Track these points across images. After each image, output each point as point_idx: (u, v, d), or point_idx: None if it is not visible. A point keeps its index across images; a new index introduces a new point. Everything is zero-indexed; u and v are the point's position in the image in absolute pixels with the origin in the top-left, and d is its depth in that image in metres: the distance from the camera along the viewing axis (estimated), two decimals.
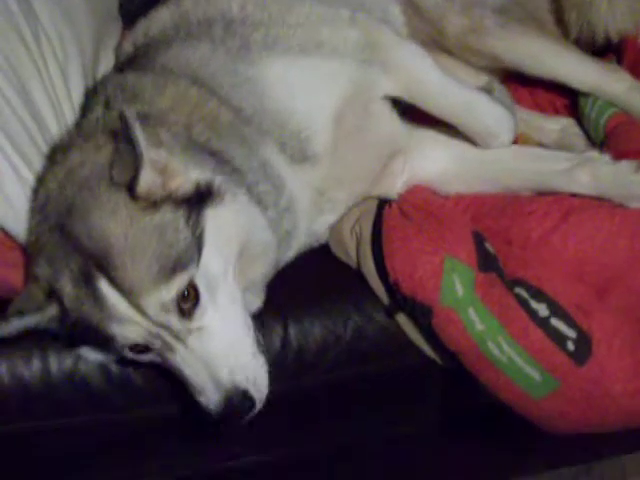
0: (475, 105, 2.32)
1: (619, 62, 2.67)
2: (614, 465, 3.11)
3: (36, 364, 2.01)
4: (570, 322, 2.01)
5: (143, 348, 1.86)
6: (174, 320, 1.80)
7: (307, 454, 2.50)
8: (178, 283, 1.79)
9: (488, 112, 2.32)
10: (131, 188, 1.80)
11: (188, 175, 1.88)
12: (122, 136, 1.79)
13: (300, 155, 2.18)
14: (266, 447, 2.39)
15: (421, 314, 2.04)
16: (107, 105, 2.14)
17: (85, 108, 2.30)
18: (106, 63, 2.59)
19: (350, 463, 2.63)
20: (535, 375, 1.99)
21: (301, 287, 2.19)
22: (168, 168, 1.85)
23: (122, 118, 1.76)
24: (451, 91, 2.31)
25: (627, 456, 3.09)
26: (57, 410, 2.03)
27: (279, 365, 2.10)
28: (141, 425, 2.12)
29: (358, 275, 2.21)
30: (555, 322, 2.00)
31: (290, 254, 2.21)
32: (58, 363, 2.01)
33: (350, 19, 2.33)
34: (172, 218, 1.82)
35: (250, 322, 1.92)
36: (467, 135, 2.33)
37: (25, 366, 2.00)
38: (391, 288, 2.09)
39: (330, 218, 2.32)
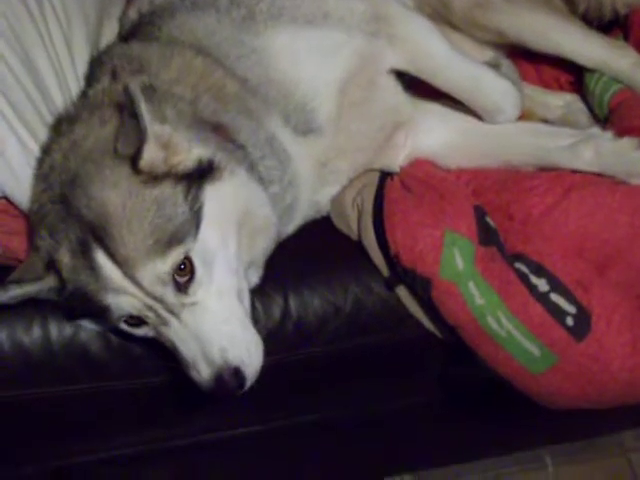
0: (481, 80, 2.31)
1: (626, 39, 2.65)
2: (614, 440, 3.12)
3: (36, 331, 2.02)
4: (570, 297, 2.01)
5: (138, 321, 1.86)
6: (168, 293, 1.79)
7: (306, 425, 2.51)
8: (174, 256, 1.78)
9: (494, 87, 2.32)
10: (134, 161, 1.79)
11: (191, 151, 1.87)
12: (127, 110, 1.79)
13: (305, 127, 2.17)
14: (264, 417, 2.41)
15: (421, 287, 2.04)
16: (114, 75, 2.12)
17: (90, 78, 2.28)
18: (110, 32, 2.57)
19: (349, 435, 2.64)
20: (534, 350, 2.00)
21: (302, 259, 2.19)
22: (171, 143, 1.84)
23: (127, 93, 1.76)
24: (458, 65, 2.31)
25: (627, 432, 3.10)
26: (57, 377, 2.04)
27: (279, 336, 2.12)
28: (141, 393, 2.12)
29: (359, 247, 2.21)
30: (555, 297, 2.01)
31: (292, 226, 2.21)
32: (58, 330, 2.02)
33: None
34: (171, 192, 1.81)
35: (247, 297, 1.92)
36: (473, 109, 2.33)
37: (25, 333, 2.01)
38: (391, 261, 2.10)
39: (332, 189, 2.31)
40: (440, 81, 2.31)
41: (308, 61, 2.20)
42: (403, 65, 2.30)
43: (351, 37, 2.25)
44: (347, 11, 2.28)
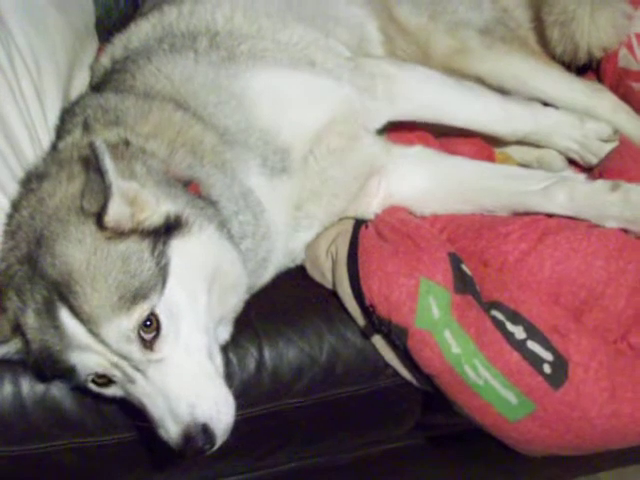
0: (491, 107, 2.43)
1: (600, 82, 2.68)
2: None
3: (7, 387, 1.98)
4: (547, 345, 2.01)
5: (105, 380, 1.83)
6: (134, 350, 1.77)
7: (286, 473, 2.48)
8: (139, 313, 1.75)
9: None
10: (99, 218, 1.78)
11: (158, 207, 1.85)
12: (92, 166, 1.78)
13: (280, 165, 2.17)
14: (242, 468, 2.38)
15: (397, 336, 2.02)
16: (86, 127, 2.11)
17: (62, 129, 2.27)
18: (81, 80, 2.56)
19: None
20: (511, 398, 1.99)
21: (276, 309, 2.18)
22: (138, 200, 1.83)
23: (92, 148, 1.74)
24: (467, 102, 2.34)
25: (602, 473, 3.09)
26: (29, 435, 2.00)
27: (254, 387, 2.10)
28: (116, 449, 2.08)
29: (334, 296, 2.20)
30: (531, 345, 2.00)
31: (267, 277, 2.20)
32: (30, 387, 1.99)
33: (348, 58, 2.36)
34: (137, 248, 1.79)
35: (217, 353, 1.90)
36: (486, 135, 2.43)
37: None
38: (367, 310, 2.08)
39: (307, 235, 2.30)
40: (450, 122, 2.38)
41: (291, 106, 2.19)
42: (405, 117, 2.34)
43: (339, 86, 2.26)
44: (335, 65, 2.30)
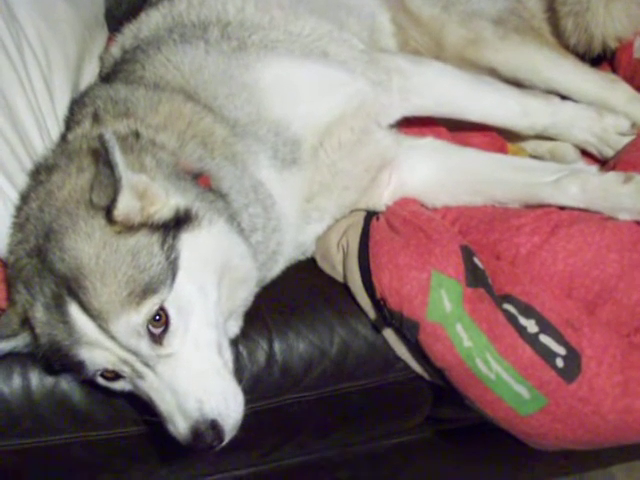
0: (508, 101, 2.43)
1: (614, 73, 2.66)
2: (605, 474, 3.10)
3: (17, 381, 1.98)
4: (559, 338, 1.99)
5: (114, 375, 1.83)
6: (143, 345, 1.76)
7: (296, 466, 2.47)
8: (148, 307, 1.75)
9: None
10: (108, 212, 1.76)
11: (168, 201, 1.84)
12: (102, 159, 1.76)
13: (290, 157, 2.15)
14: (253, 461, 2.37)
15: (408, 329, 2.01)
16: (95, 119, 2.09)
17: (71, 120, 2.25)
18: (90, 71, 2.55)
19: (341, 473, 2.61)
20: (523, 392, 1.97)
21: (287, 302, 2.17)
22: (148, 193, 1.81)
23: (102, 142, 1.72)
24: (483, 97, 2.35)
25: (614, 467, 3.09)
26: (38, 428, 2.00)
27: (264, 381, 2.09)
28: (124, 442, 2.08)
29: (344, 289, 2.19)
30: (544, 338, 1.99)
31: (277, 269, 2.18)
32: (39, 380, 1.98)
33: (362, 51, 2.34)
34: (147, 242, 1.78)
35: (227, 348, 1.89)
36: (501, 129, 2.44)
37: (5, 383, 1.97)
38: (378, 303, 2.07)
39: (317, 227, 2.29)
40: (464, 116, 2.39)
41: (302, 98, 2.17)
42: (420, 112, 2.33)
43: (353, 79, 2.24)
44: (349, 57, 2.28)
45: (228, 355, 1.88)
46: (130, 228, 1.78)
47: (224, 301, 1.88)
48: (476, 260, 2.10)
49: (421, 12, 2.66)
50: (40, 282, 1.80)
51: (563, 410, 1.97)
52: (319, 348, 2.11)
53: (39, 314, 1.80)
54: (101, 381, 1.85)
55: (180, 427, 1.75)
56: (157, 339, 1.77)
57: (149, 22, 2.43)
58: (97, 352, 1.77)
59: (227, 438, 1.79)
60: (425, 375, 2.15)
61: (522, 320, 2.00)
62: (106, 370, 1.82)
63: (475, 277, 2.06)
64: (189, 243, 1.83)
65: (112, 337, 1.74)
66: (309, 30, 2.34)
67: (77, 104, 2.28)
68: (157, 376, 1.77)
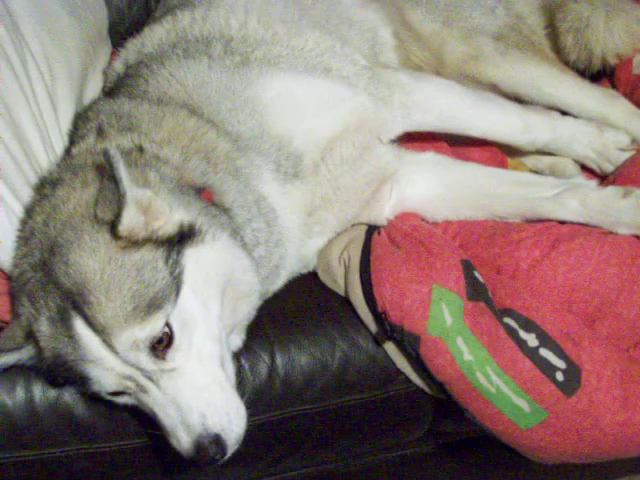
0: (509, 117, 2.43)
1: (614, 88, 2.67)
2: None
3: (20, 393, 1.98)
4: (559, 352, 2.00)
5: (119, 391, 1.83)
6: (147, 360, 1.76)
7: (294, 479, 2.47)
8: (153, 322, 1.75)
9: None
10: (113, 227, 1.77)
11: (172, 216, 1.85)
12: (106, 174, 1.77)
13: (292, 170, 2.16)
14: (254, 475, 2.37)
15: (409, 343, 2.02)
16: (100, 133, 2.10)
17: (75, 135, 2.26)
18: (94, 85, 2.56)
19: None
20: (523, 405, 1.99)
21: (288, 315, 2.18)
22: (152, 208, 1.82)
23: (106, 157, 1.73)
24: (485, 112, 2.36)
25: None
26: (41, 440, 2.00)
27: (266, 394, 2.09)
28: (127, 454, 2.08)
29: (346, 303, 2.20)
30: (544, 352, 2.00)
31: (279, 283, 2.19)
32: (42, 392, 1.99)
33: (364, 67, 2.35)
34: (151, 258, 1.79)
35: (230, 362, 1.89)
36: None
37: (8, 395, 1.97)
38: (379, 316, 2.07)
39: (319, 241, 2.30)
40: (467, 132, 2.39)
41: (305, 113, 2.19)
42: (423, 128, 2.33)
43: (355, 94, 2.25)
44: (351, 72, 2.29)
45: (231, 369, 1.89)
46: (135, 243, 1.78)
47: (227, 315, 1.89)
48: (477, 274, 2.11)
49: (422, 27, 2.68)
50: (45, 296, 1.81)
51: (563, 424, 1.99)
52: (321, 361, 2.12)
53: (44, 327, 1.81)
54: (105, 395, 1.85)
55: (183, 441, 1.76)
56: (160, 354, 1.77)
57: (153, 37, 2.44)
58: (102, 373, 1.78)
59: (230, 452, 1.79)
60: (426, 388, 2.16)
61: (522, 334, 2.02)
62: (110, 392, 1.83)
63: (476, 291, 2.07)
64: (193, 258, 1.83)
65: (116, 352, 1.75)
66: (312, 45, 2.35)
67: (81, 118, 2.29)
68: (161, 390, 1.78)
